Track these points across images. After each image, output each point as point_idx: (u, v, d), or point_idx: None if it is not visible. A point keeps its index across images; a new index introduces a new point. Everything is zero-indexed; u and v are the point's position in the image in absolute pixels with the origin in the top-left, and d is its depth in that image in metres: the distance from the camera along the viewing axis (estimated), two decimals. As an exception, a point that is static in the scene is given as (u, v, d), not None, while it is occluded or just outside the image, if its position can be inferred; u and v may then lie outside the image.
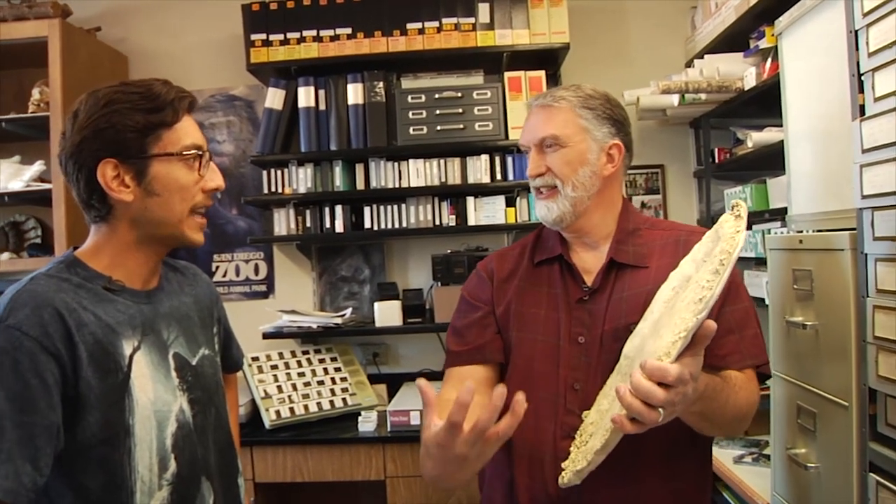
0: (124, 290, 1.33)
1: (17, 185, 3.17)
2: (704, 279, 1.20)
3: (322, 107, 3.21)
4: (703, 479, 1.58)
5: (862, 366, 1.47)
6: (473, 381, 1.51)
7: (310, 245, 3.48)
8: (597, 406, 1.39)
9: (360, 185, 3.24)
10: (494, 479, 1.58)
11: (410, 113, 3.15)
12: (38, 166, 3.19)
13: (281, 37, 3.17)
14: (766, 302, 1.96)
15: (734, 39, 2.87)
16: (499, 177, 3.18)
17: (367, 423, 2.94)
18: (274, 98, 3.23)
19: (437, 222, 3.23)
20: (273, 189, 3.23)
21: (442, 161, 3.20)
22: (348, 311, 3.28)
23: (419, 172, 3.20)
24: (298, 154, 3.23)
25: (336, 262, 3.50)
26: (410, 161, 3.21)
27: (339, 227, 3.24)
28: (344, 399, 3.09)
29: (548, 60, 3.25)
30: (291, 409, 2.97)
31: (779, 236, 1.89)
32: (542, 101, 1.58)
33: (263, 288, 3.53)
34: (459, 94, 3.15)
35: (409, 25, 3.13)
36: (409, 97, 3.16)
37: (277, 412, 2.93)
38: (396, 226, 3.24)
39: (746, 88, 2.74)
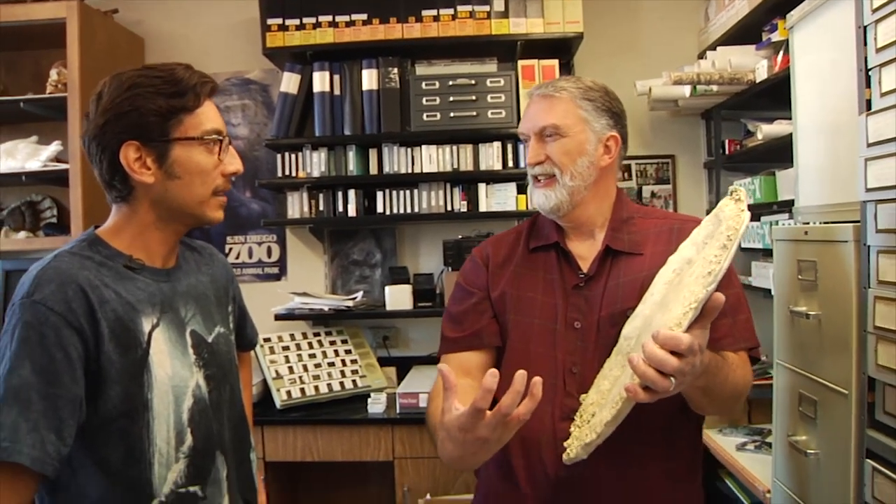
0: (144, 269, 1.37)
1: (34, 165, 3.21)
2: (712, 254, 1.24)
3: (337, 92, 3.25)
4: (695, 461, 1.63)
5: (862, 355, 1.50)
6: (471, 365, 1.58)
7: (322, 229, 3.52)
8: (596, 387, 1.43)
9: (374, 170, 3.28)
10: (491, 462, 1.61)
11: (424, 99, 3.19)
12: (55, 146, 3.23)
13: (297, 21, 3.20)
14: (773, 292, 2.00)
15: (747, 32, 2.89)
16: (510, 164, 3.21)
17: (376, 405, 2.98)
18: (289, 82, 3.26)
19: (449, 208, 3.27)
20: (287, 173, 3.27)
21: (454, 147, 3.22)
22: (359, 295, 3.33)
23: (432, 158, 3.23)
24: (313, 138, 3.26)
25: (348, 246, 3.54)
26: (423, 147, 3.24)
27: (351, 212, 3.28)
28: (354, 381, 3.14)
29: (561, 50, 3.27)
30: (302, 390, 3.02)
31: (785, 227, 1.92)
32: (543, 90, 1.61)
33: (276, 270, 3.58)
34: (473, 82, 3.18)
35: (425, 12, 3.16)
36: (423, 84, 3.19)
37: (288, 392, 2.99)
38: (408, 211, 3.28)
39: (758, 81, 2.77)
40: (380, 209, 3.29)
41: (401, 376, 3.29)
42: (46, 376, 1.18)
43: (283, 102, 3.26)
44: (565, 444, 1.39)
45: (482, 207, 3.23)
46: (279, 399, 2.96)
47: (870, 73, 1.47)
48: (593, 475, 1.45)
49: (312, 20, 3.19)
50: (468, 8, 3.15)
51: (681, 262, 1.38)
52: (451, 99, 3.17)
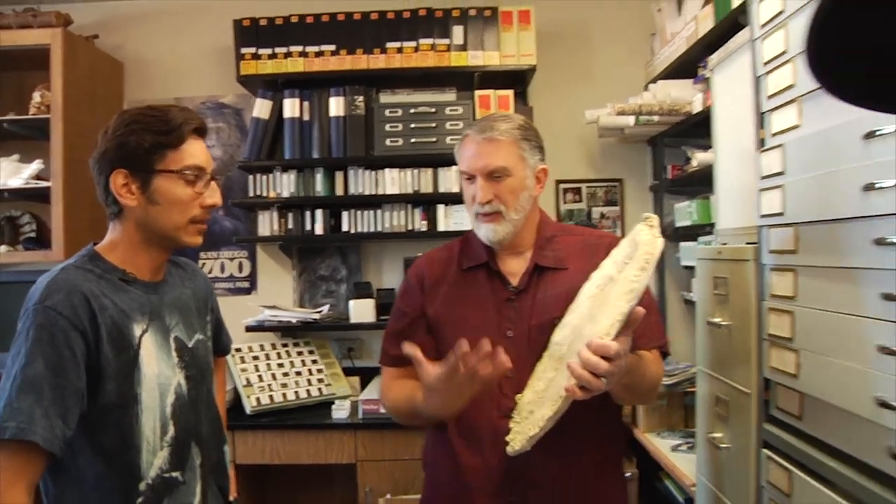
0: (136, 282, 1.57)
1: (16, 183, 3.37)
2: (633, 275, 1.49)
3: (306, 117, 3.44)
4: (617, 450, 1.86)
5: (760, 359, 1.74)
6: (409, 376, 1.79)
7: (291, 246, 3.71)
8: (531, 388, 1.64)
9: (340, 191, 3.47)
10: (439, 457, 1.82)
11: (388, 125, 3.39)
12: (36, 165, 3.39)
13: (269, 51, 3.40)
14: (696, 306, 2.23)
15: (686, 67, 3.13)
16: (468, 187, 3.41)
17: (340, 411, 3.17)
18: (261, 108, 3.46)
19: (410, 227, 3.46)
20: (258, 192, 3.46)
21: (415, 171, 3.42)
22: (326, 308, 3.52)
23: (394, 181, 3.43)
24: (283, 161, 3.45)
25: (315, 262, 3.73)
26: (386, 170, 3.43)
27: (319, 230, 3.47)
28: (319, 388, 3.32)
29: (516, 80, 3.49)
30: (271, 397, 3.20)
31: (704, 247, 2.16)
32: (488, 134, 1.75)
33: (247, 284, 3.76)
34: (433, 110, 3.39)
35: (389, 45, 3.37)
36: (387, 111, 3.39)
37: (258, 399, 3.16)
38: (372, 230, 3.47)
39: (694, 112, 3.00)
40: (345, 228, 3.48)
41: (364, 385, 3.47)
42: (56, 370, 1.37)
43: (255, 127, 3.46)
44: (507, 438, 1.60)
45: (441, 227, 3.43)
46: (249, 405, 3.13)
47: (763, 116, 1.71)
48: (531, 464, 1.65)
49: (284, 50, 3.39)
50: (429, 41, 3.36)
51: (603, 278, 1.60)
52: (413, 125, 3.38)
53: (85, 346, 1.41)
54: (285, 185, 3.45)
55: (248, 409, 3.13)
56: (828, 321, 1.43)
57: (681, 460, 2.59)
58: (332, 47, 3.38)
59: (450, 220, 3.43)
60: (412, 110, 3.39)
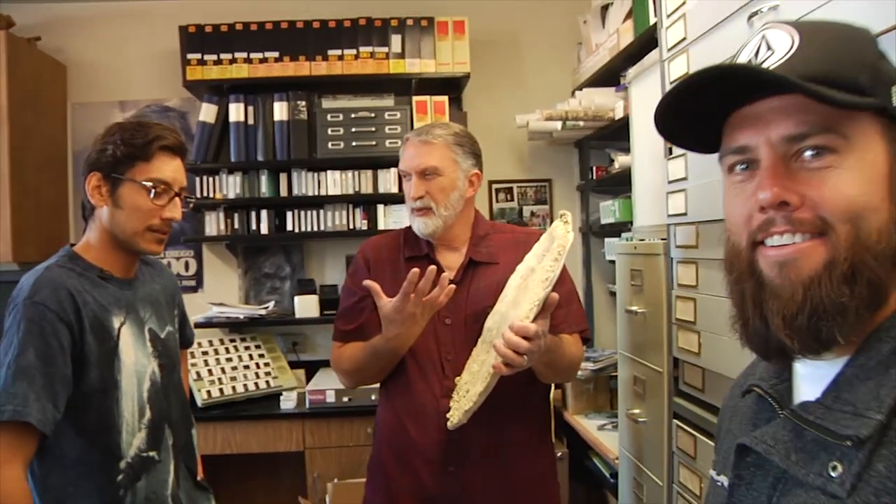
0: (112, 279, 1.72)
1: (-40, 185, 3.42)
2: (548, 265, 1.70)
3: (251, 122, 3.58)
4: (545, 424, 2.09)
5: (669, 341, 1.97)
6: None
7: (237, 245, 3.84)
8: (468, 370, 1.86)
9: (284, 192, 3.62)
10: (388, 430, 2.02)
11: (329, 129, 3.54)
12: (-22, 168, 3.44)
13: (215, 57, 3.51)
14: (616, 296, 2.47)
15: (609, 75, 3.35)
16: (407, 187, 3.60)
17: (287, 402, 3.32)
18: (207, 112, 3.58)
19: (351, 226, 3.63)
20: (205, 194, 3.58)
21: (356, 173, 3.59)
22: (271, 304, 3.67)
23: (336, 182, 3.59)
24: (228, 163, 3.58)
25: (260, 261, 3.87)
26: (328, 172, 3.59)
27: (264, 230, 3.62)
28: (267, 381, 3.47)
29: (451, 87, 3.69)
30: (221, 390, 3.34)
31: (622, 243, 2.39)
32: (423, 137, 1.97)
33: (193, 283, 3.87)
34: (373, 115, 3.55)
35: (330, 52, 3.53)
36: (329, 115, 3.54)
37: (209, 392, 3.30)
38: (315, 229, 3.63)
39: (616, 118, 3.24)
40: (289, 227, 3.63)
41: (309, 377, 3.63)
42: (45, 359, 1.52)
43: (201, 130, 3.57)
44: (448, 415, 1.81)
45: (380, 226, 3.60)
46: (200, 398, 3.26)
47: (671, 127, 1.94)
48: (468, 437, 1.85)
49: (229, 56, 3.51)
50: (369, 49, 3.53)
51: (526, 269, 1.82)
52: (354, 129, 3.54)
53: (70, 337, 1.57)
54: (231, 186, 3.58)
55: (199, 403, 3.25)
56: (722, 305, 1.65)
57: (606, 437, 2.83)
58: (276, 54, 3.52)
59: (389, 218, 3.61)
60: (353, 115, 3.55)
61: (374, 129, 3.54)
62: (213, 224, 3.61)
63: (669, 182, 1.93)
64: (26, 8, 3.74)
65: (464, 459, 1.90)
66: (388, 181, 3.57)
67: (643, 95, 2.38)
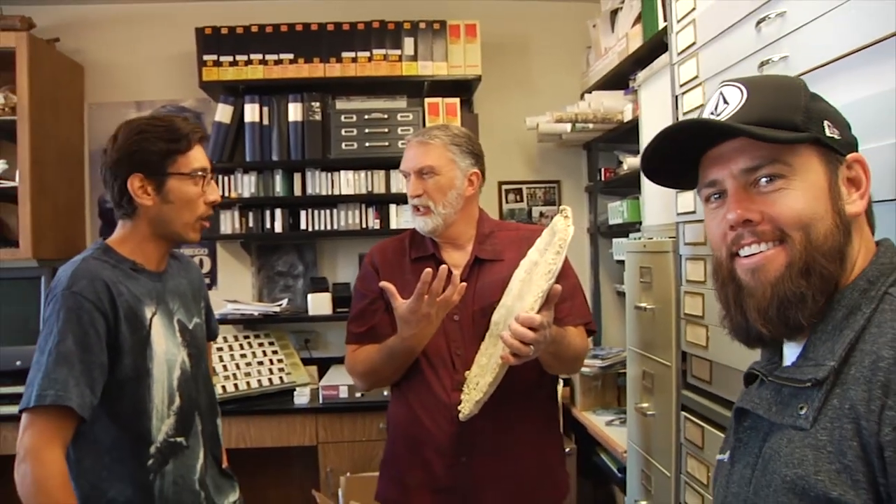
0: (144, 271, 1.79)
1: (-21, 183, 3.49)
2: (550, 258, 1.77)
3: (266, 122, 3.64)
4: (552, 414, 2.16)
5: (678, 335, 2.03)
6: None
7: (251, 243, 3.91)
8: (476, 363, 1.92)
9: (298, 191, 3.68)
10: (401, 422, 2.08)
11: (343, 130, 3.60)
12: (1, 165, 3.51)
13: (230, 58, 3.57)
14: (626, 293, 2.53)
15: (618, 79, 3.41)
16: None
17: (301, 397, 3.38)
18: (223, 113, 3.64)
19: (364, 225, 3.70)
20: (221, 193, 3.62)
21: (369, 173, 3.66)
22: (285, 302, 3.73)
23: (349, 182, 3.66)
24: (244, 163, 3.64)
25: (273, 259, 3.94)
26: (342, 172, 3.65)
27: (278, 228, 3.68)
28: (280, 377, 3.53)
29: (462, 89, 3.75)
30: (235, 385, 3.40)
31: (631, 241, 2.45)
32: (421, 138, 2.04)
33: (208, 281, 3.93)
34: (386, 116, 3.61)
35: (344, 54, 3.58)
36: (343, 116, 3.60)
37: (224, 387, 3.35)
38: (328, 228, 3.69)
39: (625, 121, 3.30)
40: (303, 226, 3.69)
41: (321, 374, 3.68)
42: (83, 347, 1.59)
43: (217, 130, 3.63)
44: (459, 407, 1.87)
45: (393, 225, 3.66)
46: (215, 394, 3.31)
47: (680, 129, 2.01)
48: (479, 428, 1.91)
49: (244, 58, 3.57)
50: (382, 51, 3.60)
51: (529, 264, 1.89)
52: (367, 130, 3.60)
53: (106, 326, 1.64)
54: (246, 185, 3.65)
55: (216, 398, 3.30)
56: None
57: (614, 433, 2.88)
58: (291, 56, 3.58)
59: (401, 218, 3.67)
60: (366, 116, 3.61)
61: (386, 129, 3.59)
62: (228, 222, 3.67)
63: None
64: (46, 10, 3.81)
65: (475, 450, 1.96)
66: (400, 181, 3.59)
67: (652, 98, 2.45)
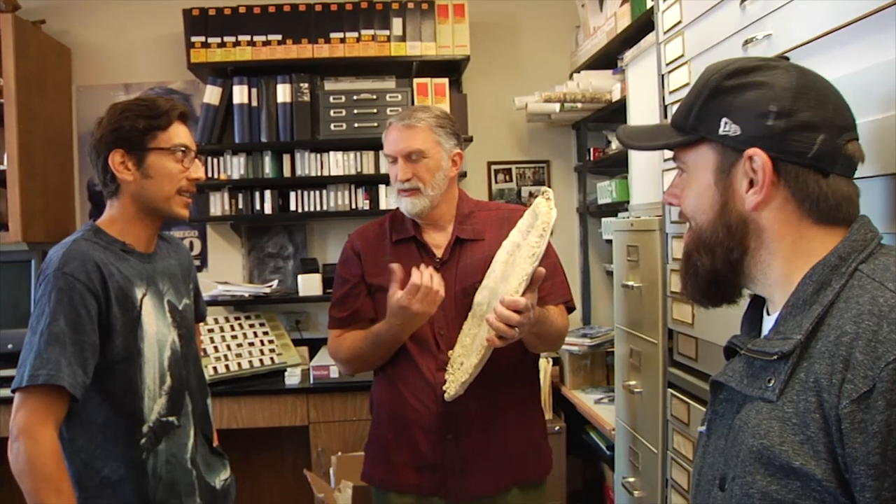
0: (134, 252, 1.80)
1: (-34, 166, 3.47)
2: (533, 241, 1.79)
3: (254, 104, 3.63)
4: (534, 392, 2.18)
5: (664, 313, 2.06)
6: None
7: (240, 225, 3.91)
8: (460, 343, 1.95)
9: (287, 172, 3.68)
10: (385, 403, 2.10)
11: (332, 111, 3.60)
12: (-14, 148, 3.50)
13: (218, 40, 3.56)
14: (613, 272, 2.55)
15: (607, 58, 3.42)
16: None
17: (292, 378, 3.40)
18: (212, 94, 3.63)
19: (353, 206, 3.71)
20: (209, 175, 3.62)
21: (358, 154, 3.66)
22: (275, 283, 3.74)
23: (338, 163, 3.66)
24: (233, 144, 3.64)
25: (263, 240, 3.95)
26: (331, 153, 3.66)
27: (267, 210, 3.68)
28: (271, 358, 3.55)
29: (451, 69, 3.75)
30: (227, 366, 3.42)
31: (619, 220, 2.47)
32: (407, 121, 2.03)
33: (198, 263, 3.93)
34: (374, 97, 3.61)
35: (333, 35, 3.58)
36: (331, 97, 3.60)
37: (215, 368, 3.37)
38: (318, 209, 3.70)
39: (613, 100, 3.30)
40: (293, 207, 3.69)
41: (312, 354, 3.70)
42: (75, 327, 1.60)
43: (206, 112, 3.63)
44: (444, 387, 1.91)
45: (382, 206, 3.67)
46: (207, 375, 3.30)
47: (666, 107, 2.02)
48: (464, 405, 1.93)
49: (233, 39, 3.56)
50: (371, 32, 3.59)
51: (511, 245, 1.90)
52: (356, 111, 3.60)
53: (98, 306, 1.65)
54: (235, 167, 3.64)
55: (205, 379, 3.32)
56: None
57: (603, 410, 2.91)
58: (279, 37, 3.57)
59: (390, 198, 3.65)
60: (355, 97, 3.60)
61: (375, 110, 3.59)
62: (218, 204, 3.67)
63: (665, 160, 2.00)
64: (30, -9, 3.79)
65: (460, 427, 1.99)
66: (389, 162, 3.62)
67: (640, 78, 2.45)
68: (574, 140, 4.02)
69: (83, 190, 3.95)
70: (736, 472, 0.95)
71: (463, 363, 1.88)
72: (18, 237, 3.42)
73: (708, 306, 1.09)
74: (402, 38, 3.61)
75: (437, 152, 2.04)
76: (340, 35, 3.58)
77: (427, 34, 3.62)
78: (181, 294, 1.92)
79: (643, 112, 2.40)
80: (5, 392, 3.07)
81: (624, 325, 2.41)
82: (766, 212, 0.98)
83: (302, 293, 3.69)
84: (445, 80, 3.69)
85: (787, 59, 1.04)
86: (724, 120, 0.99)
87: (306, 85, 3.63)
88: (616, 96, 3.27)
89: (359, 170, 3.66)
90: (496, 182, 4.01)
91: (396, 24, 3.60)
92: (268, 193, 3.67)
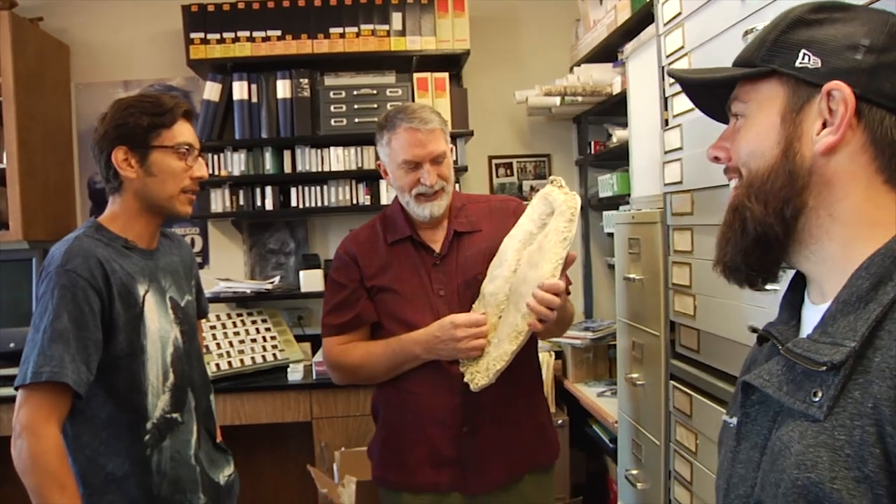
0: (136, 249, 1.80)
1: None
2: (562, 226, 1.80)
3: (254, 100, 3.63)
4: (539, 378, 2.20)
5: (666, 305, 2.05)
6: (353, 341, 2.10)
7: (242, 221, 3.91)
8: None
9: (288, 168, 3.68)
10: (398, 408, 2.08)
11: (332, 107, 3.60)
12: (-13, 147, 3.50)
13: (218, 36, 3.56)
14: (615, 265, 2.55)
15: (607, 51, 3.42)
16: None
17: (295, 374, 3.40)
18: (211, 91, 3.63)
19: (355, 202, 3.70)
20: (210, 171, 3.62)
21: (359, 149, 3.65)
22: (277, 279, 3.75)
23: (339, 158, 3.66)
24: (233, 141, 3.64)
25: (265, 237, 3.95)
26: (332, 148, 3.65)
27: (268, 206, 3.68)
28: (274, 354, 3.55)
29: (451, 63, 3.75)
30: (229, 363, 3.42)
31: (620, 213, 2.46)
32: (430, 125, 1.98)
33: (199, 260, 3.93)
34: (375, 92, 3.61)
35: (332, 30, 3.57)
36: (331, 93, 3.60)
37: (217, 365, 3.37)
38: (319, 204, 3.69)
39: (614, 94, 3.30)
40: (294, 203, 3.69)
41: (314, 350, 3.69)
42: (78, 324, 1.61)
43: (206, 109, 3.63)
44: (466, 379, 1.89)
45: (383, 201, 3.66)
46: (209, 371, 3.32)
47: (667, 100, 2.02)
48: (477, 396, 1.91)
49: (232, 35, 3.56)
50: (370, 27, 3.59)
51: (524, 234, 1.90)
52: (356, 106, 3.59)
53: (100, 303, 1.65)
54: (236, 163, 3.64)
55: (208, 375, 3.32)
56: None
57: (605, 403, 2.92)
58: (279, 32, 3.56)
59: (391, 194, 3.64)
60: (355, 92, 3.60)
61: (376, 105, 3.59)
62: (219, 201, 3.67)
63: (666, 152, 2.00)
64: (27, -12, 3.78)
65: (476, 419, 1.98)
66: (390, 157, 3.62)
67: (640, 70, 2.45)
68: (575, 133, 4.02)
69: (83, 188, 3.95)
70: None
71: (488, 352, 1.87)
72: (19, 235, 3.43)
73: (743, 281, 0.94)
74: (402, 33, 3.61)
75: (449, 152, 2.06)
76: (340, 30, 3.58)
77: (427, 28, 3.62)
78: (183, 290, 1.93)
79: (644, 104, 2.40)
80: (7, 391, 3.13)
81: (626, 317, 2.40)
82: (837, 158, 0.83)
83: (304, 289, 3.68)
84: (446, 75, 3.69)
85: None
86: (803, 51, 0.86)
87: (306, 80, 3.62)
88: (617, 89, 3.26)
89: (359, 165, 3.66)
90: (497, 176, 4.01)
91: (396, 18, 3.60)
92: (269, 189, 3.67)
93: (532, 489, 2.08)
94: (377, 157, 2.12)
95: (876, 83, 0.81)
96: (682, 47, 1.89)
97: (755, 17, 1.54)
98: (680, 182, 1.91)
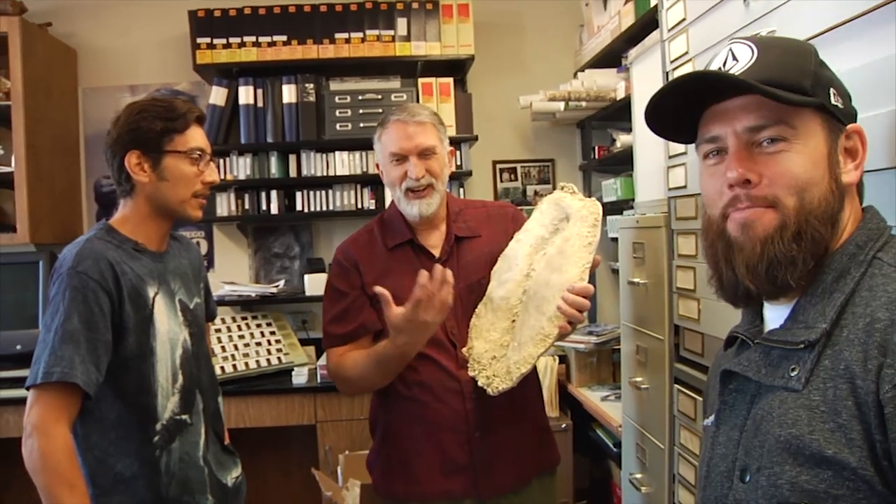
0: (146, 252, 1.82)
1: (-26, 168, 3.49)
2: (585, 231, 1.81)
3: (260, 104, 3.65)
4: (538, 383, 2.18)
5: (671, 309, 2.06)
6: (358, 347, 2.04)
7: (247, 225, 3.93)
8: (482, 339, 1.91)
9: (293, 173, 3.69)
10: (405, 418, 2.03)
11: (337, 111, 3.62)
12: (-4, 150, 3.52)
13: (224, 41, 3.58)
14: (619, 269, 2.56)
15: (611, 57, 3.43)
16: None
17: (299, 377, 3.42)
18: (217, 95, 3.65)
19: (359, 206, 3.72)
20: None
21: (364, 153, 3.66)
22: (282, 283, 3.76)
23: (344, 163, 3.67)
24: (239, 145, 3.65)
25: (270, 241, 3.96)
26: (337, 153, 3.67)
27: (273, 210, 3.70)
28: (278, 357, 3.56)
29: (456, 69, 3.76)
30: (234, 366, 3.43)
31: (625, 218, 2.48)
32: (419, 118, 1.98)
33: (205, 263, 3.93)
34: (379, 96, 3.63)
35: (338, 35, 3.59)
36: (337, 98, 3.62)
37: (222, 368, 3.38)
38: (324, 209, 3.71)
39: (618, 99, 3.31)
40: (299, 207, 3.71)
41: (319, 354, 3.71)
42: (89, 325, 1.62)
43: (211, 113, 3.64)
44: (481, 384, 1.85)
45: (388, 205, 3.64)
46: (215, 373, 3.34)
47: (671, 105, 2.03)
48: (487, 400, 1.89)
49: (238, 40, 3.58)
50: (375, 32, 3.60)
51: (535, 239, 1.90)
52: (361, 111, 3.61)
53: (111, 304, 1.67)
54: (241, 167, 3.66)
55: (216, 377, 3.33)
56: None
57: (609, 408, 2.92)
58: (284, 38, 3.58)
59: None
60: (360, 97, 3.62)
61: (380, 110, 3.57)
62: (224, 205, 3.68)
63: (670, 157, 2.01)
64: (35, -6, 3.81)
65: (487, 423, 1.97)
66: (394, 162, 3.63)
67: (644, 76, 2.46)
68: (579, 138, 4.03)
69: (90, 191, 3.97)
70: (761, 463, 0.94)
71: (506, 356, 1.85)
72: (26, 238, 3.44)
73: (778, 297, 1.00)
74: (407, 38, 3.62)
75: (441, 149, 2.03)
76: (345, 35, 3.60)
77: (432, 34, 3.63)
78: (192, 293, 1.94)
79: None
80: (14, 392, 3.14)
81: (630, 321, 2.41)
82: (850, 189, 1.00)
83: (308, 293, 3.69)
84: (450, 80, 3.71)
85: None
86: (832, 90, 0.98)
87: (311, 85, 3.64)
88: (620, 94, 3.28)
89: (364, 169, 3.67)
90: (501, 181, 4.02)
91: (401, 24, 3.62)
92: (274, 193, 3.69)
93: (538, 493, 2.08)
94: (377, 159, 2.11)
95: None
96: (686, 52, 1.91)
97: (759, 23, 1.55)
98: (684, 186, 1.93)
